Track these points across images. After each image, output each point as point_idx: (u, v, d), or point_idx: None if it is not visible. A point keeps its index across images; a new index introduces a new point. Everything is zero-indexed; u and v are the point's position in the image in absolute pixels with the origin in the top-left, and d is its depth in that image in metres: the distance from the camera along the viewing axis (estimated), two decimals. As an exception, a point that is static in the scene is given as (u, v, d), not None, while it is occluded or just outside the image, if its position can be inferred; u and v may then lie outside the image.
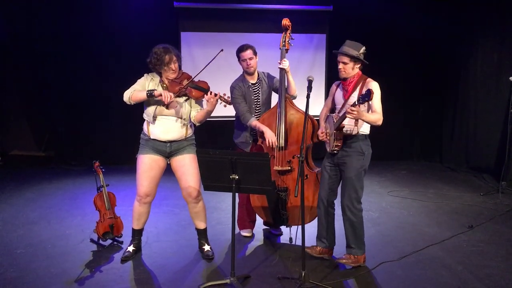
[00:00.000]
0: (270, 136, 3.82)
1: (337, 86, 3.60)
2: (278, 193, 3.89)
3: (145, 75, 3.61)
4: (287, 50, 3.91)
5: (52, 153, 7.45)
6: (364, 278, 3.34)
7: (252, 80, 4.03)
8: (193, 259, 3.67)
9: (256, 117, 3.99)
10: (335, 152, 3.43)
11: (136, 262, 3.61)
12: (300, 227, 3.35)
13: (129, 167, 6.93)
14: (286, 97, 3.89)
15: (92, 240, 3.98)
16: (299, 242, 3.38)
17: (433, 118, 8.00)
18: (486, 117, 6.77)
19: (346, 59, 3.38)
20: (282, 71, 3.85)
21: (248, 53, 3.90)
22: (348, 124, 3.36)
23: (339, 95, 3.54)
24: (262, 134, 3.88)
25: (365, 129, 3.45)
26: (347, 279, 3.32)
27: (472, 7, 6.94)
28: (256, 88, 4.03)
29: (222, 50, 3.57)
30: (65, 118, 7.34)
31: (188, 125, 3.61)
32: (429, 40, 7.59)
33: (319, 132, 3.60)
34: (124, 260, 3.61)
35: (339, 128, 3.35)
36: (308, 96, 3.31)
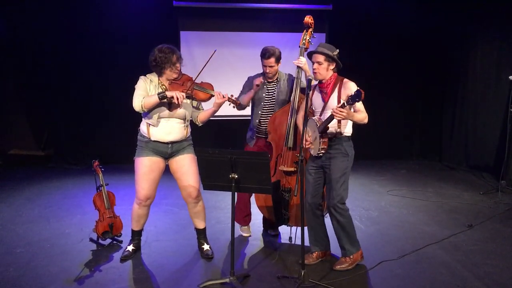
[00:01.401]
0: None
1: (313, 89, 3.56)
2: (281, 192, 3.88)
3: (141, 77, 3.53)
4: (306, 49, 3.83)
5: (52, 152, 7.46)
6: (364, 277, 3.34)
7: (270, 79, 4.03)
8: (193, 258, 3.67)
9: (267, 115, 4.00)
10: (321, 155, 3.40)
11: (135, 261, 3.61)
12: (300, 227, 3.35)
13: (128, 166, 6.88)
14: (301, 97, 3.86)
15: (91, 239, 3.98)
16: (298, 242, 3.38)
17: (433, 117, 8.01)
18: (485, 116, 6.77)
19: (321, 58, 3.35)
20: (299, 69, 3.82)
21: (270, 61, 3.87)
22: (331, 126, 3.33)
23: (317, 98, 3.49)
24: (269, 133, 3.90)
25: (348, 130, 3.43)
26: (347, 278, 3.32)
27: (472, 6, 6.94)
28: (271, 88, 4.03)
29: (215, 50, 3.54)
30: (64, 117, 7.34)
31: (188, 126, 3.61)
32: (428, 39, 7.59)
33: (304, 141, 3.52)
34: (123, 259, 3.61)
35: (324, 130, 3.32)
36: (307, 95, 3.31)
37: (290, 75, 4.09)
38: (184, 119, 3.54)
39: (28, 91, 7.29)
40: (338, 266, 3.45)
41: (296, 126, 3.77)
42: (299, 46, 3.85)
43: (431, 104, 7.97)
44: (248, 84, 4.05)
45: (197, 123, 3.66)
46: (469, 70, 7.15)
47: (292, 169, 3.82)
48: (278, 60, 3.91)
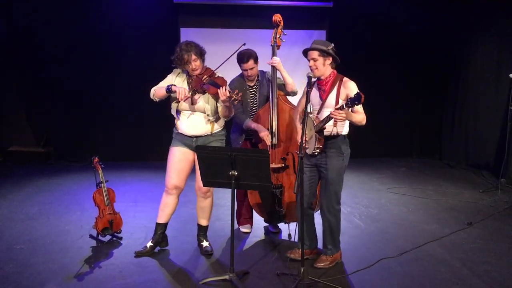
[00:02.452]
0: (263, 135, 3.83)
1: (312, 86, 3.52)
2: (272, 190, 3.88)
3: (174, 69, 3.66)
4: (278, 47, 3.89)
5: (52, 149, 7.45)
6: (363, 274, 3.34)
7: (251, 83, 4.01)
8: (193, 255, 3.68)
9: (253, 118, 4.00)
10: (316, 154, 3.36)
11: (135, 258, 3.60)
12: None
13: (128, 163, 6.94)
14: (279, 94, 3.87)
15: (91, 236, 3.97)
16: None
17: (433, 115, 8.01)
18: (485, 114, 6.77)
19: (315, 54, 3.31)
20: (273, 69, 3.84)
21: (249, 64, 3.85)
22: (328, 125, 3.29)
23: (315, 95, 3.44)
24: (256, 133, 3.89)
25: (344, 129, 3.40)
26: (346, 275, 3.32)
27: (472, 3, 6.93)
28: (253, 90, 4.02)
29: (244, 44, 3.59)
30: (64, 114, 7.34)
31: (215, 121, 3.61)
32: (429, 36, 7.58)
33: (298, 138, 3.50)
34: (137, 254, 3.60)
35: (321, 129, 3.29)
36: (307, 93, 3.29)
37: (261, 71, 4.04)
38: (205, 113, 3.55)
39: (29, 88, 7.29)
40: (319, 264, 3.45)
41: (278, 123, 3.81)
42: (271, 45, 3.88)
43: (431, 102, 7.97)
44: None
45: (222, 118, 3.66)
46: (469, 68, 7.14)
47: (280, 165, 3.85)
48: (256, 60, 3.89)
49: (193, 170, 3.70)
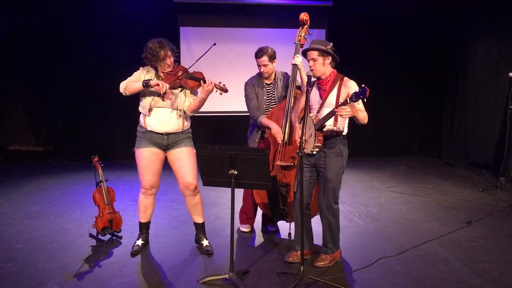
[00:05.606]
0: (276, 132, 3.82)
1: (312, 85, 3.51)
2: (278, 188, 3.89)
3: (140, 68, 3.61)
4: (302, 45, 3.86)
5: (51, 148, 7.47)
6: (363, 273, 3.34)
7: (267, 80, 4.02)
8: (192, 254, 3.68)
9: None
10: (315, 153, 3.36)
11: (135, 257, 3.61)
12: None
13: (128, 162, 6.93)
14: (297, 93, 3.87)
15: (91, 235, 3.98)
16: (298, 237, 3.38)
17: (432, 113, 8.02)
18: (485, 113, 6.77)
19: (314, 55, 3.31)
20: (294, 67, 3.83)
21: (262, 60, 3.87)
22: (327, 124, 3.28)
23: (315, 94, 3.44)
24: (269, 129, 3.90)
25: (344, 129, 3.40)
26: (346, 274, 3.33)
27: (472, 2, 6.93)
28: (270, 89, 4.02)
29: (215, 44, 3.55)
30: (64, 113, 7.35)
31: (185, 117, 3.60)
32: (428, 35, 7.59)
33: (296, 137, 3.52)
34: (134, 254, 3.63)
35: (321, 128, 3.29)
36: (307, 92, 3.29)
37: (285, 73, 4.08)
38: (177, 109, 3.52)
39: (28, 87, 7.29)
40: (319, 263, 3.46)
41: (291, 122, 3.77)
42: (295, 43, 3.87)
43: (430, 101, 7.98)
44: (252, 91, 4.01)
45: (187, 113, 3.62)
46: (468, 67, 7.15)
47: (288, 163, 3.83)
48: (271, 58, 3.89)
49: (171, 172, 3.68)
